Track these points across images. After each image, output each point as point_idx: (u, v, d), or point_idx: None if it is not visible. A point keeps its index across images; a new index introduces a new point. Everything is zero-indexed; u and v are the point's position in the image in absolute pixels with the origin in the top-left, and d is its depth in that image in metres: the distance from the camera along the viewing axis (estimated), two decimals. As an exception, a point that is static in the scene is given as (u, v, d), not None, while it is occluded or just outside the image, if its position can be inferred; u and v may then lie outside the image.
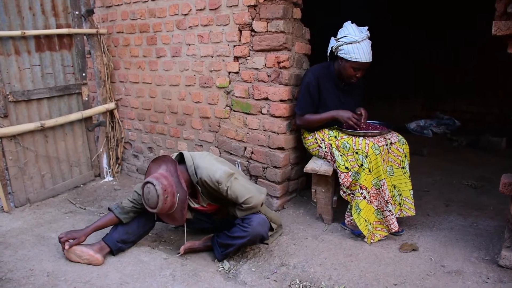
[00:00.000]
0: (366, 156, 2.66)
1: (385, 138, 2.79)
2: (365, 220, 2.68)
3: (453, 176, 3.97)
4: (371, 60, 2.80)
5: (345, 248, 2.64)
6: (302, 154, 3.37)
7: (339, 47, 2.82)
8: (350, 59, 2.78)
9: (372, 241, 2.71)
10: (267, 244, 2.69)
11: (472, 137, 5.36)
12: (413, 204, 2.84)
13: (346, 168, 2.77)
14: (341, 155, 2.80)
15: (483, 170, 4.13)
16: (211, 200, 2.54)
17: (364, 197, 2.70)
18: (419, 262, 2.44)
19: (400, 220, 2.88)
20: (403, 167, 2.83)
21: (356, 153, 2.71)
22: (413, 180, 2.91)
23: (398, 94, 6.53)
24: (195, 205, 2.59)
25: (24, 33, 3.26)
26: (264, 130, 3.13)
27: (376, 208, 2.74)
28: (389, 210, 2.71)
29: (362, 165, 2.69)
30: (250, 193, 2.46)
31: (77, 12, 3.71)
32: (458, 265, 2.39)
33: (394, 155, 2.81)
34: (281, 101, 3.00)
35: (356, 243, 2.70)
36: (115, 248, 2.56)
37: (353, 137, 2.80)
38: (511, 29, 2.07)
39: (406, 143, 2.87)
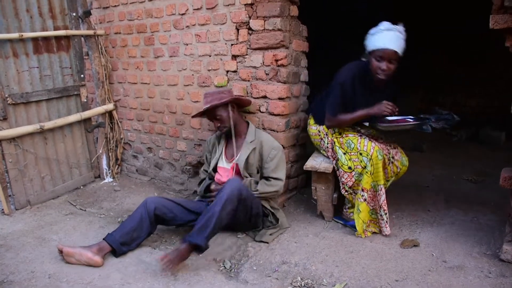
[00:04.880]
0: (370, 159, 2.66)
1: (389, 151, 2.79)
2: (363, 222, 2.72)
3: (453, 171, 3.96)
4: (396, 50, 2.56)
5: (346, 245, 2.64)
6: (302, 152, 3.36)
7: (367, 43, 2.68)
8: (372, 49, 2.62)
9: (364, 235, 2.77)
10: (267, 242, 2.69)
11: (471, 130, 5.36)
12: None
13: (350, 168, 2.76)
14: (344, 154, 2.79)
15: (483, 165, 4.13)
16: (243, 162, 2.76)
17: (365, 199, 2.72)
18: (421, 257, 2.44)
19: (401, 216, 2.88)
20: (388, 180, 2.86)
21: (360, 154, 2.70)
22: (413, 175, 2.92)
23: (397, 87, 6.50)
24: (224, 165, 2.89)
25: (22, 35, 3.26)
26: (263, 128, 3.13)
27: (371, 208, 2.76)
28: (381, 215, 2.73)
29: (365, 167, 2.69)
30: (284, 177, 2.82)
31: (74, 14, 3.71)
32: (459, 260, 2.39)
33: (390, 171, 2.83)
34: (280, 99, 3.00)
35: (357, 240, 2.70)
36: (118, 249, 2.56)
37: (359, 137, 2.77)
38: (508, 22, 2.07)
39: (407, 165, 2.88)
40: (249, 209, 2.64)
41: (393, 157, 2.80)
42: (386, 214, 2.72)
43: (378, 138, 2.88)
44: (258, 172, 2.82)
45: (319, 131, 3.00)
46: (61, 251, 2.52)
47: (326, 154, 2.99)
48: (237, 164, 2.81)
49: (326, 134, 2.95)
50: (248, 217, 2.70)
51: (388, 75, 2.62)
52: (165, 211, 2.68)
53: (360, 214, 2.71)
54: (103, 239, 2.59)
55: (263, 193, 2.76)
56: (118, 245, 2.56)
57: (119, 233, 2.58)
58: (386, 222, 2.72)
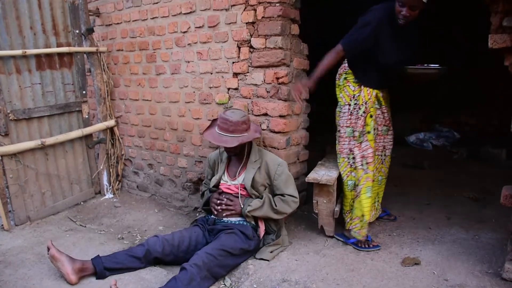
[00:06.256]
0: (367, 163, 2.77)
1: (384, 148, 2.95)
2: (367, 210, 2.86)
3: (454, 189, 3.96)
4: None
5: (347, 263, 2.62)
6: (302, 169, 3.37)
7: None
8: None
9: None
10: (268, 260, 2.67)
11: (472, 148, 5.37)
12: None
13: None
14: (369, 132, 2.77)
15: (484, 182, 4.12)
16: (250, 181, 2.73)
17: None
18: (422, 276, 2.42)
19: (402, 233, 2.88)
20: (386, 177, 3.08)
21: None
22: (414, 193, 2.93)
23: (397, 106, 6.53)
24: (227, 182, 2.85)
25: (25, 52, 3.29)
26: (264, 146, 3.14)
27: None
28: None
29: (354, 158, 2.83)
30: (297, 194, 2.79)
31: (77, 31, 3.75)
32: (461, 279, 2.37)
33: (385, 167, 3.02)
34: (281, 116, 3.02)
35: (358, 257, 2.68)
36: (101, 272, 2.49)
37: (373, 132, 2.78)
38: (506, 42, 2.11)
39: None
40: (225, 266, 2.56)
41: (385, 155, 2.98)
42: (348, 214, 2.92)
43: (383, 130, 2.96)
44: (265, 189, 2.80)
45: (353, 96, 2.80)
46: (48, 249, 2.49)
47: (350, 122, 2.83)
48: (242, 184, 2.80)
49: (366, 102, 2.76)
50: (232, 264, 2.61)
51: (407, 21, 2.52)
52: (165, 254, 2.61)
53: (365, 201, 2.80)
54: (91, 259, 2.53)
55: (282, 212, 2.74)
56: (102, 269, 2.49)
57: (108, 259, 2.54)
58: (349, 219, 2.90)
